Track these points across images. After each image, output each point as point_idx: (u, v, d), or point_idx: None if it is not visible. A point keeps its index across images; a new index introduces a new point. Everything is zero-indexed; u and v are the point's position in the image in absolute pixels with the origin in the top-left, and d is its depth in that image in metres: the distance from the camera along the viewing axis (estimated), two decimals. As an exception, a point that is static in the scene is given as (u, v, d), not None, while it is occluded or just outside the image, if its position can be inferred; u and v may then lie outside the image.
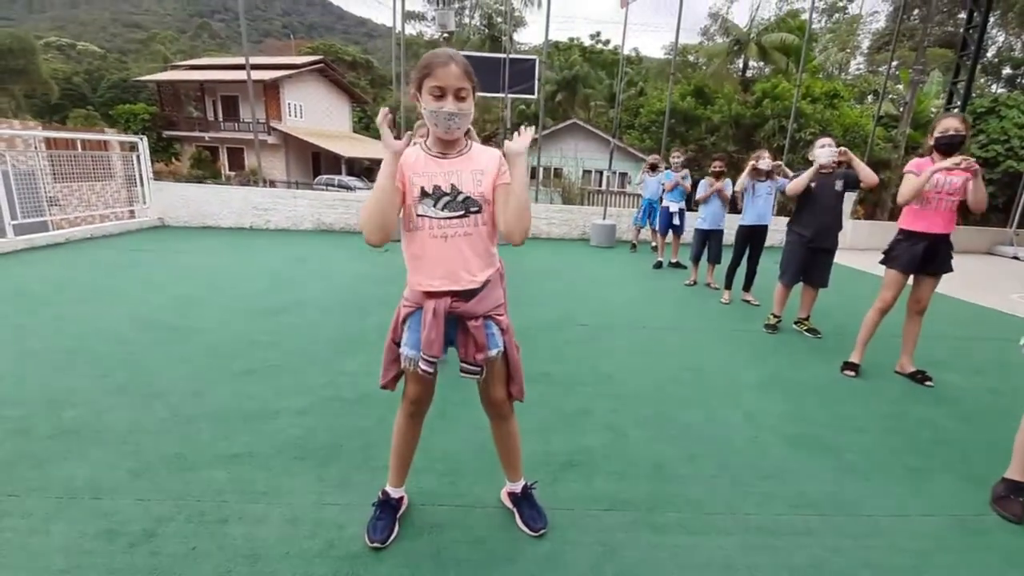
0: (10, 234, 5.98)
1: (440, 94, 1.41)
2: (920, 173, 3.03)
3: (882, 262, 3.31)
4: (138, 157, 7.73)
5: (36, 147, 7.95)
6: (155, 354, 3.23)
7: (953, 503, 2.11)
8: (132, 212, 7.91)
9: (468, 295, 1.56)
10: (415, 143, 1.56)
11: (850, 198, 10.41)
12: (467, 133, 1.55)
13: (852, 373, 3.38)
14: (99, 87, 36.26)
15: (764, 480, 2.21)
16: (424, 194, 1.49)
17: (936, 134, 3.01)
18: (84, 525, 1.76)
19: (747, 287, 5.20)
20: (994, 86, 30.71)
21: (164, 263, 5.87)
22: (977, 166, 2.93)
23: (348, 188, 20.01)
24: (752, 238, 5.01)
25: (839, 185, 3.85)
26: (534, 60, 8.67)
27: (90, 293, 4.50)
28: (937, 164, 2.96)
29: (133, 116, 25.90)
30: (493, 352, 1.60)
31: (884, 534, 1.90)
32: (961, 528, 1.96)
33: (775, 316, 4.30)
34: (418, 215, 1.50)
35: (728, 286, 5.16)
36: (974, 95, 16.89)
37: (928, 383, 3.28)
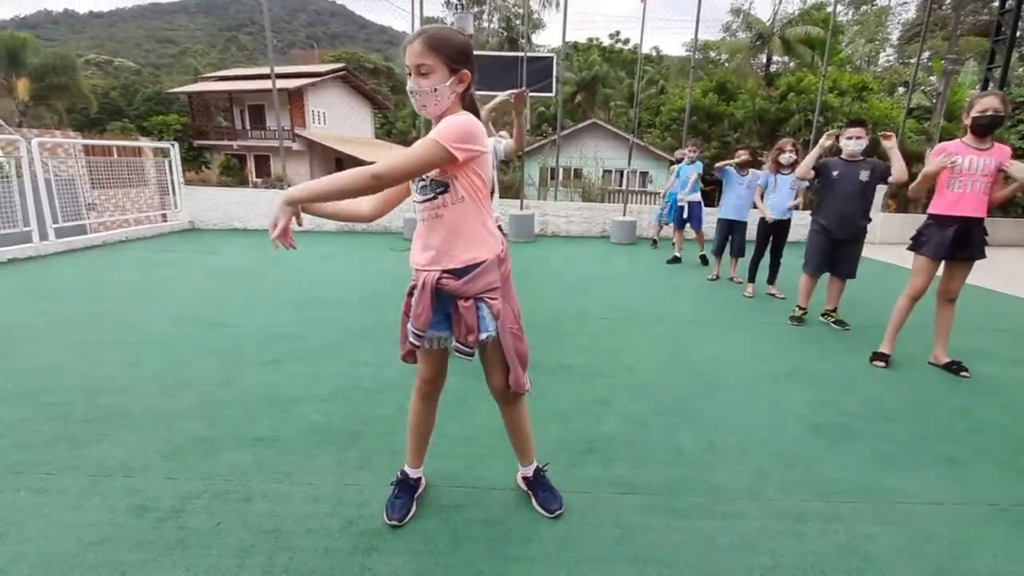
0: (52, 237, 6.26)
1: (409, 72, 1.43)
2: (943, 156, 2.95)
3: (910, 248, 3.20)
4: (170, 163, 8.01)
5: (76, 155, 8.33)
6: (185, 346, 3.33)
7: (992, 492, 2.02)
8: (164, 216, 8.19)
9: (458, 273, 1.53)
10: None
11: (881, 190, 10.08)
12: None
13: (882, 364, 3.27)
14: (134, 100, 37.77)
15: (789, 467, 2.15)
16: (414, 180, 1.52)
17: (974, 113, 2.90)
18: (116, 501, 1.83)
19: (771, 280, 5.09)
20: (1035, 75, 29.40)
21: (194, 263, 6.06)
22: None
23: None
24: (775, 230, 4.92)
25: (864, 175, 3.73)
26: (551, 58, 8.66)
27: (124, 291, 4.67)
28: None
29: (166, 127, 26.88)
30: (483, 335, 1.56)
31: (918, 521, 1.83)
32: (1000, 518, 1.87)
33: (800, 308, 4.19)
34: (414, 201, 1.55)
35: (752, 279, 5.06)
36: (1012, 84, 16.19)
37: (964, 374, 3.15)
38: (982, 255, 3.04)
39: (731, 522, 1.81)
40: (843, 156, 3.80)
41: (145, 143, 9.67)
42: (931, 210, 3.12)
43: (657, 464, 2.15)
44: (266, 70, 9.03)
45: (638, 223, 8.66)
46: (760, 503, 1.92)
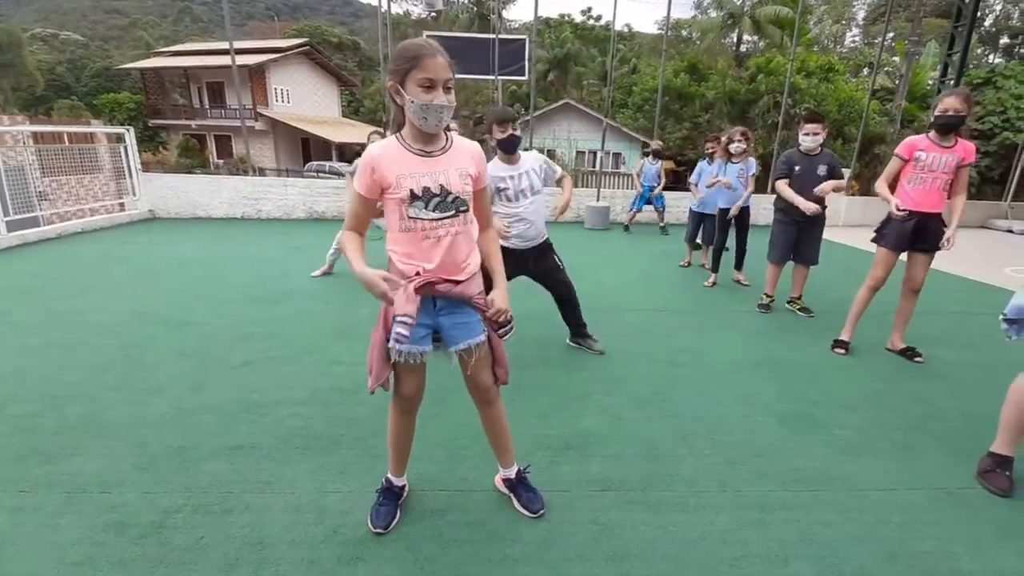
0: (3, 231, 5.94)
1: (430, 85, 1.40)
2: (907, 156, 3.08)
3: (873, 240, 3.34)
4: (125, 149, 7.64)
5: (24, 142, 7.84)
6: (153, 348, 3.25)
7: (941, 477, 2.17)
8: (122, 205, 7.84)
9: (457, 283, 1.59)
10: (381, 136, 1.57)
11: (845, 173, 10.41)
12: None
13: (842, 351, 3.43)
14: (82, 76, 35.60)
15: (756, 458, 2.26)
16: (414, 196, 1.48)
17: (936, 113, 3.00)
18: (94, 518, 1.80)
19: (738, 266, 5.22)
20: (991, 56, 30.46)
21: (157, 255, 5.85)
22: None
23: (339, 174, 19.65)
24: (736, 219, 4.98)
25: (822, 170, 3.87)
26: (524, 40, 8.53)
27: (85, 288, 4.49)
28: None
29: (118, 105, 25.44)
30: (477, 340, 1.64)
31: (872, 508, 1.96)
32: (948, 501, 2.02)
33: (767, 296, 4.34)
34: (410, 217, 1.50)
35: (715, 269, 5.14)
36: (971, 66, 16.73)
37: (918, 359, 3.34)
38: (937, 247, 3.19)
39: (703, 515, 1.90)
40: (801, 150, 3.92)
41: (99, 128, 9.17)
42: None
43: (633, 459, 2.23)
44: (224, 45, 8.63)
45: (611, 208, 8.72)
46: (729, 495, 2.02)
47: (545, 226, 3.16)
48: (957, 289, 5.37)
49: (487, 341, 1.65)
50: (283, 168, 23.20)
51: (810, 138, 3.84)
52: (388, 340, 1.63)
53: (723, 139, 5.09)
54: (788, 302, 4.37)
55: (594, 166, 18.75)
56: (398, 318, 1.50)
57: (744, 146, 4.76)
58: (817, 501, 2.00)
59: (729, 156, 4.85)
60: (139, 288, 4.51)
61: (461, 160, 1.55)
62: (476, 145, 1.62)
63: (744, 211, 4.95)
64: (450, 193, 1.51)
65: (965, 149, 3.03)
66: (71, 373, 2.88)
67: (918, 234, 3.16)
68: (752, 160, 4.86)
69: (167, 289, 4.50)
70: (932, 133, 3.07)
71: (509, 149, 2.92)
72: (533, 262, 3.17)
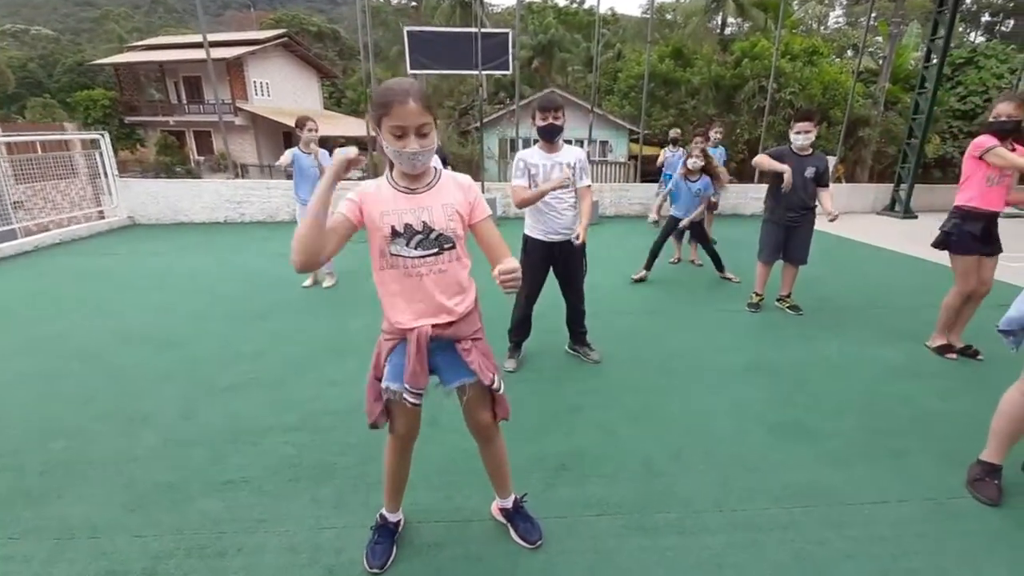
0: (-23, 246, 5.77)
1: (401, 134, 1.36)
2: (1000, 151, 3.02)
3: (942, 247, 3.31)
4: (101, 155, 7.43)
5: (-3, 151, 7.60)
6: (138, 373, 3.19)
7: (931, 485, 2.20)
8: (101, 213, 7.65)
9: (449, 324, 1.56)
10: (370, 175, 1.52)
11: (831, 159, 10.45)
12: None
13: (953, 356, 3.44)
14: (54, 73, 34.60)
15: (749, 473, 2.28)
16: (396, 233, 1.45)
17: (990, 119, 3.09)
18: (84, 566, 1.77)
19: (720, 268, 5.21)
20: (972, 34, 30.62)
21: (138, 267, 5.73)
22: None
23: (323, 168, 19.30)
24: (690, 227, 5.01)
25: (810, 172, 3.88)
26: (507, 34, 8.39)
27: (65, 307, 4.39)
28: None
29: (92, 102, 24.71)
30: (469, 380, 1.61)
31: (865, 523, 1.99)
32: (938, 512, 2.05)
33: (757, 295, 4.36)
34: (392, 254, 1.48)
35: (648, 266, 5.13)
36: (953, 45, 16.81)
37: (979, 357, 3.40)
38: (1001, 249, 3.24)
39: (698, 538, 1.91)
40: (793, 149, 3.90)
41: (73, 135, 8.90)
42: (968, 203, 3.20)
43: (628, 479, 2.24)
44: (200, 37, 8.30)
45: (600, 203, 8.69)
46: (725, 514, 2.03)
47: (575, 223, 3.08)
48: (949, 280, 5.41)
49: (480, 382, 1.62)
50: (266, 164, 22.78)
51: (802, 136, 3.83)
52: (380, 380, 1.61)
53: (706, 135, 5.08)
54: (777, 300, 4.39)
55: (581, 155, 18.64)
56: (409, 388, 1.54)
57: (702, 163, 4.75)
58: (810, 517, 2.01)
59: (688, 172, 4.82)
60: (121, 305, 4.42)
61: (448, 196, 1.51)
62: (466, 178, 1.58)
63: (698, 222, 5.00)
64: (433, 230, 1.47)
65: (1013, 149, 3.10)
66: (54, 404, 2.82)
67: (983, 238, 3.20)
68: (706, 179, 4.86)
69: (150, 306, 4.41)
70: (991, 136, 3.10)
71: (547, 137, 2.91)
72: (563, 260, 3.15)
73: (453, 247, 1.51)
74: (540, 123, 2.87)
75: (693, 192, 4.83)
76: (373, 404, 1.61)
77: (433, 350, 1.58)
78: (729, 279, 5.19)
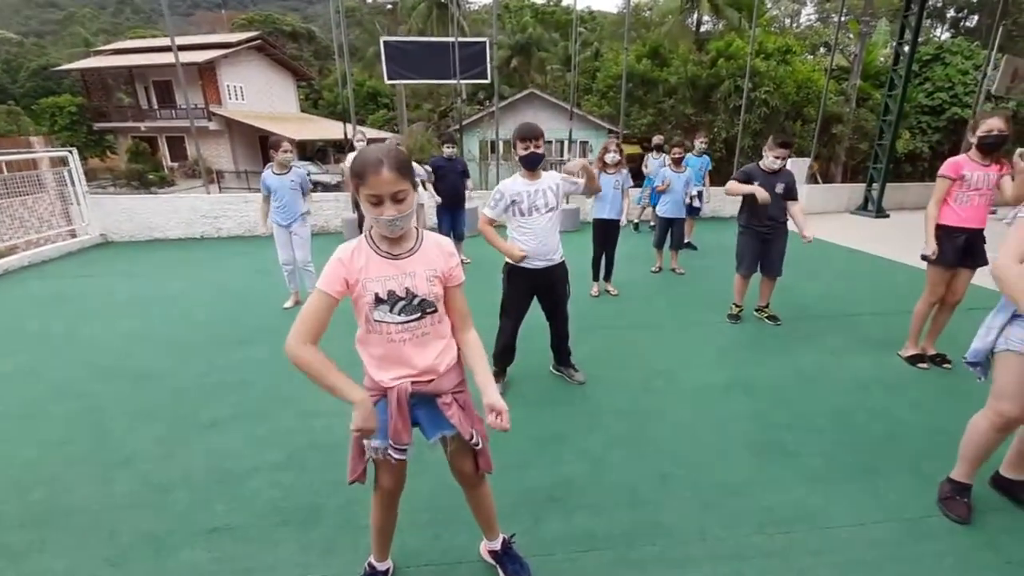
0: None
1: (377, 201, 1.37)
2: (956, 176, 3.18)
3: (925, 257, 3.41)
4: (70, 172, 7.23)
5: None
6: (116, 410, 3.12)
7: (905, 505, 2.27)
8: (73, 232, 7.45)
9: (429, 381, 1.57)
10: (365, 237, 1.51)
11: (805, 163, 10.68)
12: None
13: (925, 365, 3.53)
14: (18, 77, 33.48)
15: (732, 498, 2.33)
16: (379, 300, 1.46)
17: (980, 133, 3.11)
18: (65, 631, 1.74)
19: (607, 278, 5.17)
20: (938, 29, 31.42)
21: (112, 290, 5.60)
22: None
23: (325, 185, 17.96)
24: (606, 230, 4.94)
25: (780, 188, 3.97)
26: (484, 43, 8.37)
27: (36, 339, 4.27)
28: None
29: (59, 109, 24.03)
30: (450, 433, 1.63)
31: (844, 548, 2.04)
32: (912, 533, 2.12)
33: (736, 306, 4.44)
34: (375, 320, 1.48)
35: (596, 279, 5.14)
36: (920, 41, 17.19)
37: (946, 365, 3.51)
38: (986, 262, 3.29)
39: (683, 571, 1.95)
40: (762, 167, 3.99)
41: (40, 152, 8.63)
42: (940, 220, 3.31)
43: (614, 509, 2.26)
44: (169, 40, 8.05)
45: (581, 209, 8.73)
46: (708, 544, 2.07)
47: (560, 247, 3.12)
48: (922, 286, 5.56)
49: (461, 435, 1.63)
50: (242, 170, 22.37)
51: (778, 162, 3.94)
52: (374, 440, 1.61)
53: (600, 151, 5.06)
54: (756, 310, 4.48)
55: (562, 156, 18.72)
56: (394, 445, 1.57)
57: (618, 156, 4.80)
58: (791, 543, 2.07)
59: (604, 166, 4.78)
60: (96, 334, 4.31)
61: (429, 261, 1.52)
62: (447, 241, 1.60)
63: (614, 224, 4.91)
64: (416, 296, 1.48)
65: (999, 162, 3.18)
66: (29, 448, 2.75)
67: (967, 251, 3.29)
68: (625, 171, 4.91)
69: (126, 333, 4.32)
70: (973, 152, 3.18)
71: (530, 165, 2.93)
72: (545, 288, 3.17)
73: (435, 311, 1.53)
74: (522, 152, 2.88)
75: (613, 188, 4.76)
76: (356, 462, 1.62)
77: (414, 405, 1.59)
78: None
